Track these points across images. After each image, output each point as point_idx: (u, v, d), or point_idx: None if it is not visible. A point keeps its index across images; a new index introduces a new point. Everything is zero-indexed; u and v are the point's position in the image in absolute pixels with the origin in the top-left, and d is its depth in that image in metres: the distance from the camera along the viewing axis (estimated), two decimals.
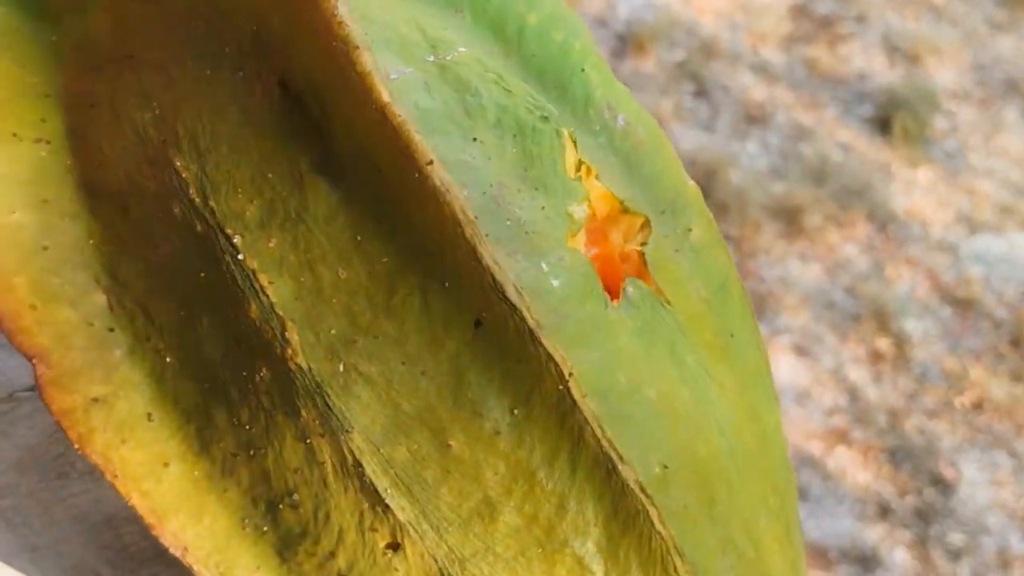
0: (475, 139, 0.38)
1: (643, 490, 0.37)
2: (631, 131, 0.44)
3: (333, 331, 0.37)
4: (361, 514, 0.38)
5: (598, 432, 0.36)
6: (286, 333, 0.37)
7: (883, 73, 1.76)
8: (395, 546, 0.37)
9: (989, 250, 1.57)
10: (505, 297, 0.36)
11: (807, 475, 1.35)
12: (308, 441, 0.37)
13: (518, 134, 0.39)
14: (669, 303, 0.40)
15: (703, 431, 0.40)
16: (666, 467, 0.38)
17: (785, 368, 1.43)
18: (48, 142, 0.40)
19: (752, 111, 1.68)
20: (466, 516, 0.37)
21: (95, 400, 0.39)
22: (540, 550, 0.37)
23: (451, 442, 0.36)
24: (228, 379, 0.39)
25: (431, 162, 0.36)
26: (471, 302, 0.36)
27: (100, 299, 0.40)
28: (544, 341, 0.36)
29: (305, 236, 0.37)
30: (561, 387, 0.36)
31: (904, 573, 1.28)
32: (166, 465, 0.39)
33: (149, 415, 0.39)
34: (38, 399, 0.47)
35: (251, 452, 0.39)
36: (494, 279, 0.36)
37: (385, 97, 0.36)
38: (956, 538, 1.31)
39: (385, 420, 0.37)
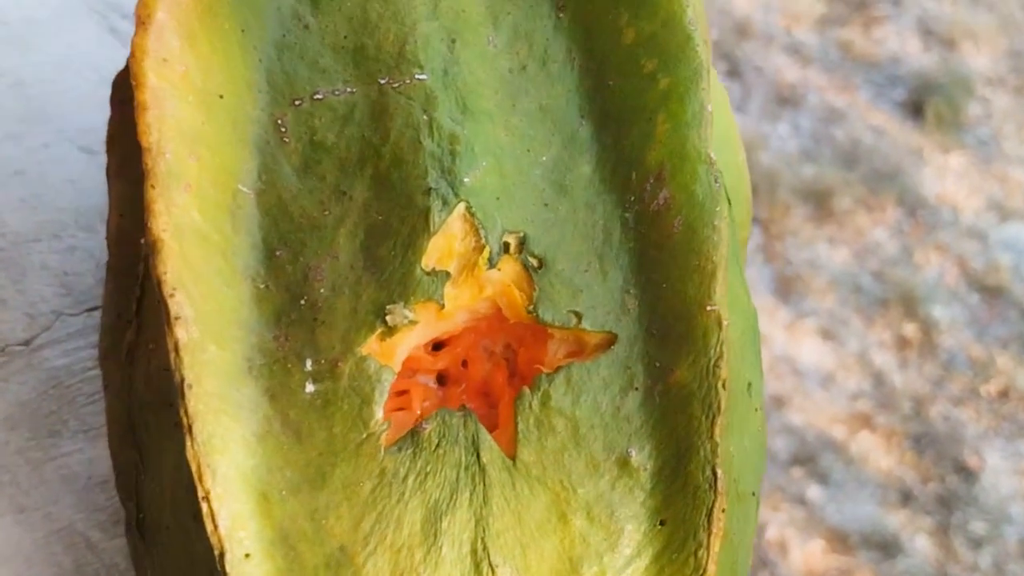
0: (344, 192, 0.34)
1: None
2: (663, 218, 0.35)
3: None
4: None
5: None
6: None
7: (917, 57, 1.74)
8: None
9: (1020, 238, 1.56)
10: (178, 388, 0.31)
11: (829, 459, 1.34)
12: None
13: (393, 201, 0.34)
14: (512, 459, 0.33)
15: None
16: None
17: (810, 351, 1.42)
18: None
19: (784, 92, 1.67)
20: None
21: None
22: None
23: None
24: None
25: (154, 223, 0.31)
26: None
27: None
28: (188, 444, 0.31)
29: None
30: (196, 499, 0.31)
31: (925, 560, 1.27)
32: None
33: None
34: (32, 354, 0.47)
35: None
36: (172, 364, 0.31)
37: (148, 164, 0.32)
38: (978, 526, 1.30)
39: None
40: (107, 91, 0.40)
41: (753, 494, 0.38)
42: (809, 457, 1.33)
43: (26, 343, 0.47)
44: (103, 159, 0.51)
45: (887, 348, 1.44)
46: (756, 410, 0.38)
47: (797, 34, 1.74)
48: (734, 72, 1.69)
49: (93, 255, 0.49)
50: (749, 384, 0.37)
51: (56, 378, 0.46)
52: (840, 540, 1.28)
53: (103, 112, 0.42)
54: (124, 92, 0.38)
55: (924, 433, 1.37)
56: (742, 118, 1.63)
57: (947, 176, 1.61)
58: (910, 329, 1.45)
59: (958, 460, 1.35)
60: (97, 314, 0.48)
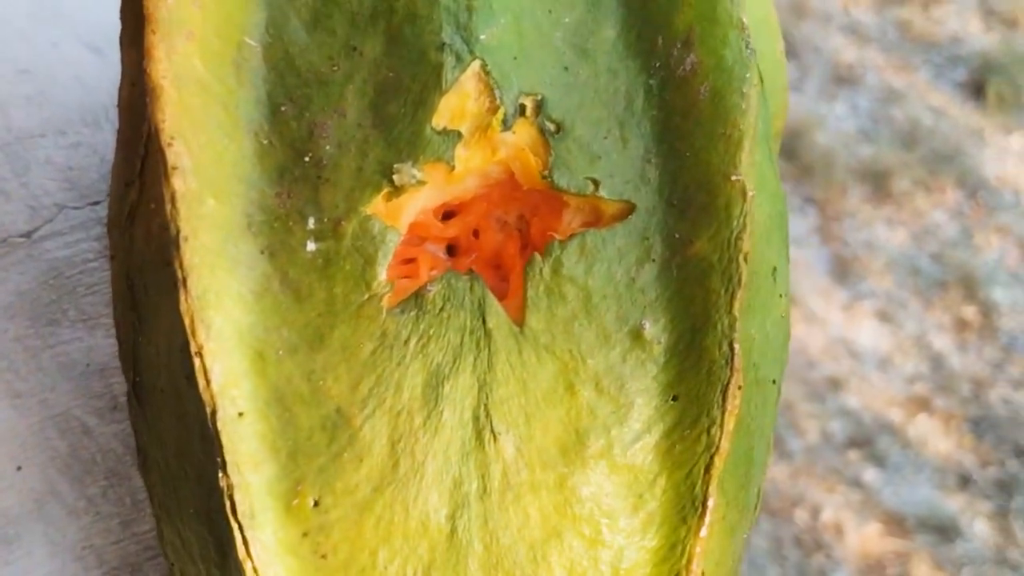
0: (355, 48, 0.32)
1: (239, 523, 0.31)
2: (690, 84, 0.34)
3: None
4: None
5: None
6: None
7: (978, 37, 1.72)
8: None
9: None
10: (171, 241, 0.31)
11: (886, 442, 1.32)
12: None
13: (405, 57, 0.32)
14: (520, 326, 0.32)
15: (413, 494, 0.32)
16: (317, 504, 0.31)
17: (867, 334, 1.41)
18: None
19: (842, 72, 1.65)
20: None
21: None
22: None
23: None
24: None
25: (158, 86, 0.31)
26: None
27: None
28: (182, 298, 0.30)
29: None
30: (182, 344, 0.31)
31: (984, 544, 1.26)
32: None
33: None
34: (33, 246, 0.47)
35: None
36: (168, 216, 0.31)
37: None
38: None
39: None
40: None
41: (774, 382, 0.36)
42: (866, 440, 1.32)
43: (27, 235, 0.47)
44: (110, 58, 0.52)
45: (946, 331, 1.42)
46: (781, 296, 0.36)
47: (855, 13, 1.73)
48: (791, 52, 1.67)
49: (98, 151, 0.49)
50: (774, 268, 0.36)
51: (56, 269, 0.47)
52: (897, 523, 1.27)
53: (111, 11, 0.41)
54: None
55: (983, 417, 1.35)
56: (799, 98, 1.61)
57: (1008, 158, 1.59)
58: (969, 312, 1.44)
59: (1018, 444, 1.34)
60: (100, 208, 0.48)
